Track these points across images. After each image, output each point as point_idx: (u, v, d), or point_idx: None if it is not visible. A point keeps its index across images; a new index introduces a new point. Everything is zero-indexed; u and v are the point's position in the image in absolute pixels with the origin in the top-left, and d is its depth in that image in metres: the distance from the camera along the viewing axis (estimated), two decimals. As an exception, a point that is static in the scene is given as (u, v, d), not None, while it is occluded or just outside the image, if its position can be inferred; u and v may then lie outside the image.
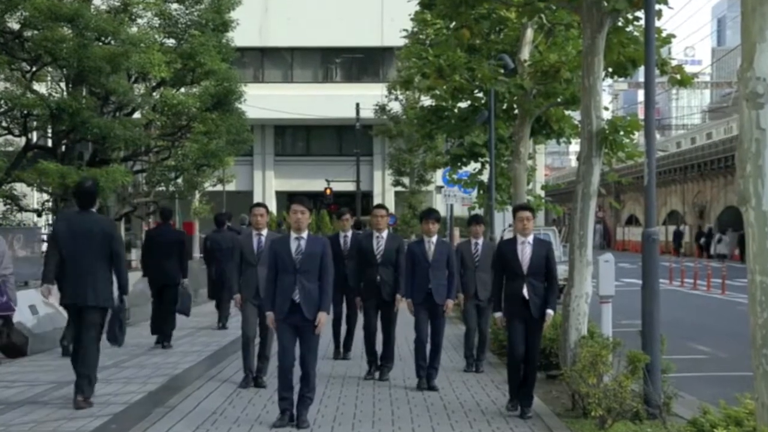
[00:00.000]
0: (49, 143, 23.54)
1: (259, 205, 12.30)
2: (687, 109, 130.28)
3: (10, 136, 22.85)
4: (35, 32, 20.33)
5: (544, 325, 10.26)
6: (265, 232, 11.97)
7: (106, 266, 10.30)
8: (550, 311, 10.21)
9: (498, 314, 10.59)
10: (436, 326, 12.11)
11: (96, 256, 10.22)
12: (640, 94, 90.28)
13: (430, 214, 12.31)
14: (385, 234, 12.74)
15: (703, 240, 65.20)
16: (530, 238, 10.34)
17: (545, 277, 10.29)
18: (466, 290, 13.45)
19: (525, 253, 10.27)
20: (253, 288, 11.77)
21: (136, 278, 19.24)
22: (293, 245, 9.51)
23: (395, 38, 30.71)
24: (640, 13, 12.02)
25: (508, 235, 19.94)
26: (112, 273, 10.37)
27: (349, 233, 14.64)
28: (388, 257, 12.57)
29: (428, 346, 12.12)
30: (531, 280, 10.21)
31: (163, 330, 15.77)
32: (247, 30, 36.53)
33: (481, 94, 20.14)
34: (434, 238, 12.09)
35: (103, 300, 10.31)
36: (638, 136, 17.11)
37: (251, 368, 11.99)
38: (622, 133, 11.27)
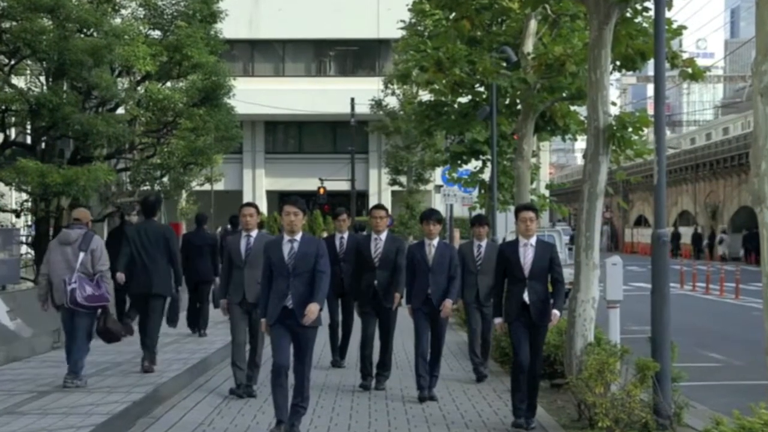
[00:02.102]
0: (29, 140, 23.48)
1: (249, 205, 12.29)
2: (699, 104, 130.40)
3: (-13, 133, 22.80)
4: (13, 23, 20.28)
5: (550, 325, 10.22)
6: (254, 233, 11.96)
7: (165, 263, 13.64)
8: (556, 311, 10.15)
9: (498, 319, 10.57)
10: (437, 332, 12.07)
11: (158, 254, 13.57)
12: (650, 89, 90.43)
13: (432, 214, 12.24)
14: (383, 236, 12.64)
15: (706, 242, 65.56)
16: (533, 240, 10.30)
17: (550, 280, 10.27)
18: (466, 295, 13.40)
19: (527, 255, 10.24)
20: (240, 291, 11.75)
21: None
22: (286, 248, 9.48)
23: (392, 30, 30.72)
24: (650, 4, 12.04)
25: (510, 238, 19.93)
26: (170, 268, 13.75)
27: (346, 235, 14.60)
28: (386, 261, 12.49)
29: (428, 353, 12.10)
30: (532, 284, 10.18)
31: (197, 322, 18.59)
32: (236, 21, 36.60)
33: (482, 89, 20.14)
34: (435, 241, 12.03)
35: (164, 289, 13.75)
36: (647, 133, 17.13)
37: (242, 377, 11.96)
38: (630, 129, 11.29)
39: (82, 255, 12.31)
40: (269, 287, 9.51)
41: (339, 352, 14.79)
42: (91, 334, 12.66)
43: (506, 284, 10.45)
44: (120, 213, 18.08)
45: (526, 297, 10.16)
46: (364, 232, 16.88)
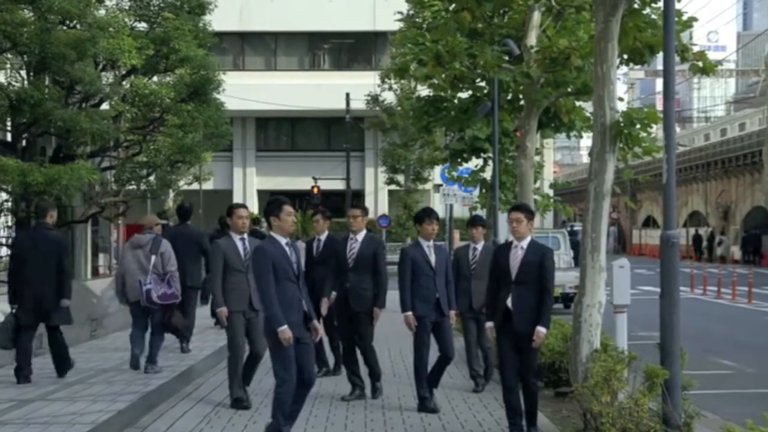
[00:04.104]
0: (8, 137, 23.48)
1: (242, 206, 12.27)
2: (710, 99, 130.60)
3: (-36, 130, 22.82)
4: (-7, 15, 20.28)
5: (534, 344, 9.97)
6: (246, 236, 11.96)
7: (197, 260, 16.64)
8: (541, 329, 9.95)
9: (489, 324, 10.48)
10: (445, 338, 11.95)
11: (191, 253, 16.44)
12: (659, 84, 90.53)
13: (432, 213, 12.11)
14: (360, 236, 12.53)
15: (705, 244, 66.16)
16: (524, 243, 10.19)
17: (538, 287, 10.07)
18: (460, 303, 13.21)
19: (515, 258, 10.15)
20: (245, 298, 11.64)
21: (105, 284, 19.40)
22: (288, 251, 9.48)
23: (389, 22, 30.77)
24: (658, -5, 12.03)
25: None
26: (200, 264, 16.69)
27: (323, 237, 14.52)
28: (360, 263, 12.38)
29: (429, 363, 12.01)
30: (518, 290, 10.05)
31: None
32: (226, 13, 36.56)
33: (483, 84, 20.12)
34: (432, 242, 12.00)
35: (197, 282, 16.78)
36: (656, 130, 17.13)
37: (240, 391, 11.83)
38: (638, 126, 11.28)
39: (153, 258, 14.37)
40: (278, 294, 9.37)
41: (335, 358, 14.68)
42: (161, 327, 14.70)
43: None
44: (165, 220, 19.98)
45: (509, 302, 10.08)
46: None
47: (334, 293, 13.06)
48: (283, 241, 9.49)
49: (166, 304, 14.36)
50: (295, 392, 9.53)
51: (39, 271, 13.44)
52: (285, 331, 9.25)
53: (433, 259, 11.83)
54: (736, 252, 62.01)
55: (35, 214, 14.67)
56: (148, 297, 14.17)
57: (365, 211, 12.94)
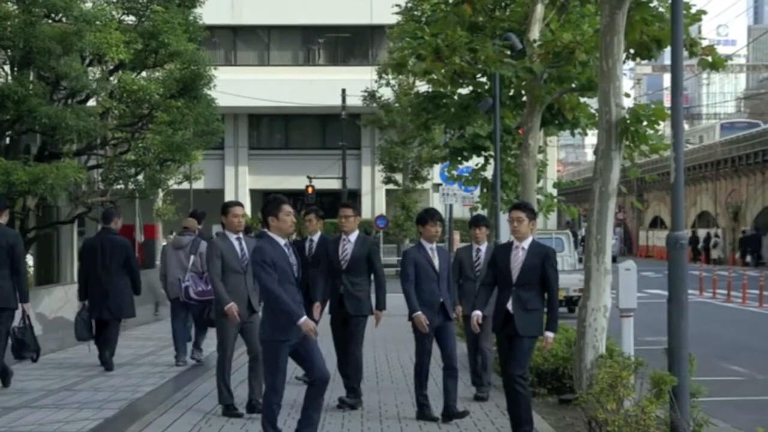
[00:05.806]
0: (-9, 135, 23.47)
1: (238, 204, 12.23)
2: (719, 95, 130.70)
3: (-54, 127, 22.79)
4: (-25, 8, 20.29)
5: (542, 349, 10.02)
6: (242, 235, 11.95)
7: None
8: (549, 333, 10.02)
9: (477, 312, 10.43)
10: (448, 345, 11.85)
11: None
12: (666, 79, 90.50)
13: (435, 214, 12.01)
14: (352, 237, 12.46)
15: (701, 245, 66.47)
16: (525, 243, 10.14)
17: (542, 290, 10.09)
18: (464, 306, 13.18)
19: (517, 259, 10.11)
20: (243, 300, 11.65)
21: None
22: (287, 252, 9.46)
23: (386, 15, 30.70)
24: (666, -13, 12.04)
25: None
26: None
27: (316, 237, 14.50)
28: (354, 264, 12.34)
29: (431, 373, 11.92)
30: (519, 292, 10.03)
31: None
32: (217, 5, 36.54)
33: (484, 79, 20.11)
34: (435, 244, 11.94)
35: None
36: (664, 127, 17.14)
37: (229, 397, 11.83)
38: (645, 123, 11.28)
39: (192, 257, 16.06)
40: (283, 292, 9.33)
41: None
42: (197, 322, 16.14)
43: (497, 289, 10.36)
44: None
45: (509, 305, 10.06)
46: (370, 236, 16.70)
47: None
48: (281, 241, 9.44)
49: (203, 300, 15.68)
50: (308, 393, 9.49)
51: (104, 272, 15.42)
52: (307, 322, 9.19)
53: (436, 262, 11.75)
54: (720, 254, 62.76)
55: (102, 219, 16.46)
56: (187, 293, 15.96)
57: (357, 210, 12.88)
